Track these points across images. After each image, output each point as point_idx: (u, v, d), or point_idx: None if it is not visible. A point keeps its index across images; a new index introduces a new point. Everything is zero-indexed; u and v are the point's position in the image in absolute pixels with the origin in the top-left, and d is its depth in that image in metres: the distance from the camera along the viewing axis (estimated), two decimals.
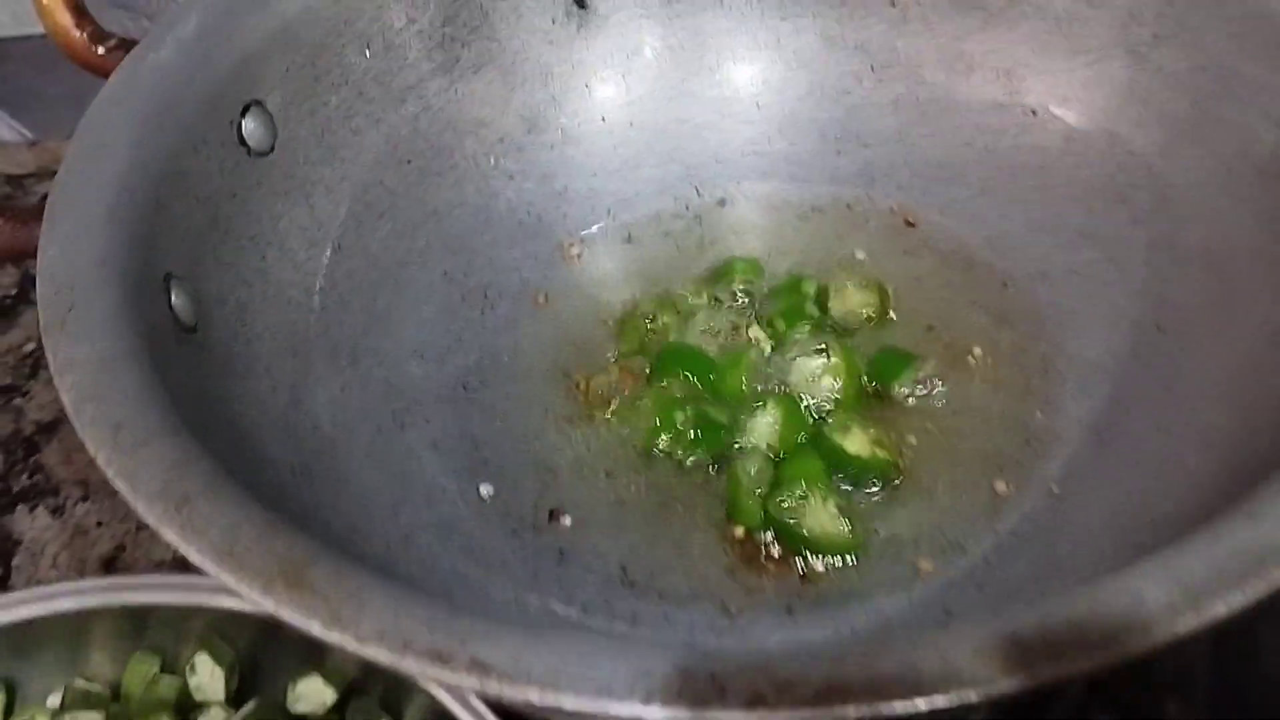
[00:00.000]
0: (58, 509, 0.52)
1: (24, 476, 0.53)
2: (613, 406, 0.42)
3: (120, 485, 0.25)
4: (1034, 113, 0.46)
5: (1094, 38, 0.44)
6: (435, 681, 0.22)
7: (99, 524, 0.51)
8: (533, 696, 0.21)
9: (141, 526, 0.50)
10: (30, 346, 0.59)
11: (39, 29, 0.67)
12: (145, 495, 0.25)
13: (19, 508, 0.52)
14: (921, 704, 0.21)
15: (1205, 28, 0.41)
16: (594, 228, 0.48)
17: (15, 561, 0.50)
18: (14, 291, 0.62)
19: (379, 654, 0.22)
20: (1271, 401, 0.34)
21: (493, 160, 0.47)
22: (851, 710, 0.21)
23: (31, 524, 0.51)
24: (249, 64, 0.39)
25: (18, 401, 0.57)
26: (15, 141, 0.71)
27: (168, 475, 0.25)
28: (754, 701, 0.21)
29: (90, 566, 0.49)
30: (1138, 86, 0.43)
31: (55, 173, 0.67)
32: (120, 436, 0.26)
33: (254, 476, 0.31)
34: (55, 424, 0.55)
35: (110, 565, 0.49)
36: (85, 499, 0.52)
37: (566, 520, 0.39)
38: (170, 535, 0.24)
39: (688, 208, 0.48)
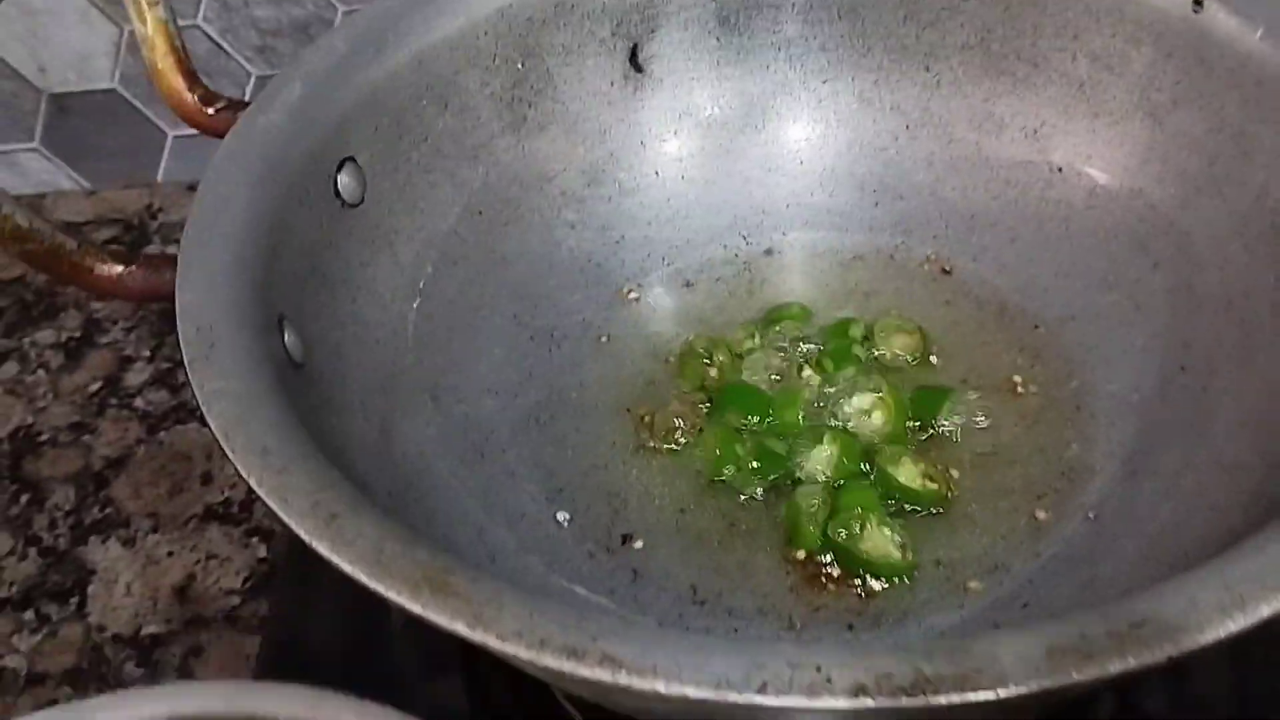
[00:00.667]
0: (129, 540, 0.54)
1: (95, 510, 0.56)
2: (676, 439, 0.45)
3: (273, 504, 0.28)
4: (1059, 169, 0.49)
5: (1115, 101, 0.47)
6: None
7: (169, 554, 0.53)
8: (659, 688, 0.24)
9: (211, 556, 0.53)
10: (96, 386, 0.62)
11: (100, 85, 0.71)
12: (297, 513, 0.28)
13: (91, 539, 0.54)
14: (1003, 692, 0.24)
15: (1220, 93, 0.44)
16: (649, 274, 0.51)
17: (90, 590, 0.52)
18: (79, 334, 0.65)
19: (518, 650, 0.25)
20: None
21: (556, 211, 0.50)
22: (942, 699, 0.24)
23: (104, 555, 0.54)
24: (344, 124, 0.42)
25: (86, 438, 0.59)
26: (74, 190, 0.74)
27: (314, 495, 0.28)
28: (856, 691, 0.24)
29: (162, 594, 0.52)
30: (1157, 146, 0.46)
31: (111, 220, 0.71)
32: (268, 460, 0.29)
33: None
34: (123, 460, 0.58)
35: (182, 594, 0.52)
36: (155, 530, 0.54)
37: (639, 544, 0.42)
38: (322, 548, 0.27)
39: (737, 255, 0.51)
